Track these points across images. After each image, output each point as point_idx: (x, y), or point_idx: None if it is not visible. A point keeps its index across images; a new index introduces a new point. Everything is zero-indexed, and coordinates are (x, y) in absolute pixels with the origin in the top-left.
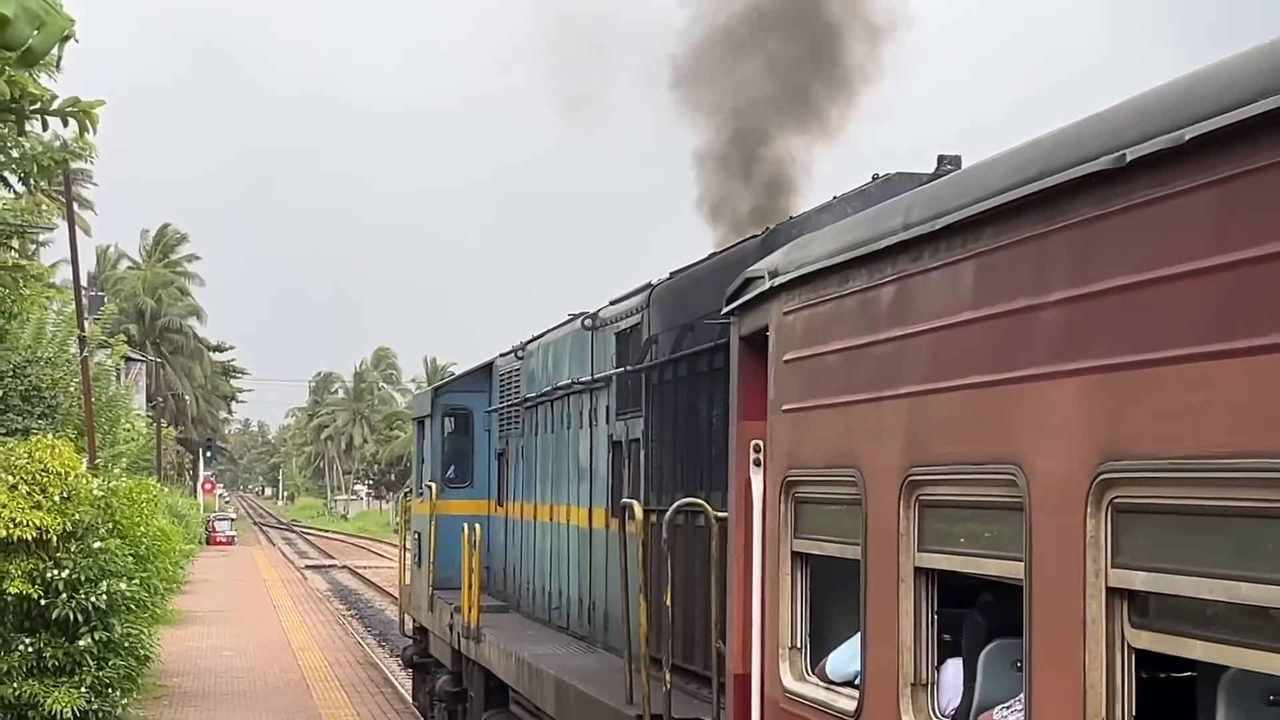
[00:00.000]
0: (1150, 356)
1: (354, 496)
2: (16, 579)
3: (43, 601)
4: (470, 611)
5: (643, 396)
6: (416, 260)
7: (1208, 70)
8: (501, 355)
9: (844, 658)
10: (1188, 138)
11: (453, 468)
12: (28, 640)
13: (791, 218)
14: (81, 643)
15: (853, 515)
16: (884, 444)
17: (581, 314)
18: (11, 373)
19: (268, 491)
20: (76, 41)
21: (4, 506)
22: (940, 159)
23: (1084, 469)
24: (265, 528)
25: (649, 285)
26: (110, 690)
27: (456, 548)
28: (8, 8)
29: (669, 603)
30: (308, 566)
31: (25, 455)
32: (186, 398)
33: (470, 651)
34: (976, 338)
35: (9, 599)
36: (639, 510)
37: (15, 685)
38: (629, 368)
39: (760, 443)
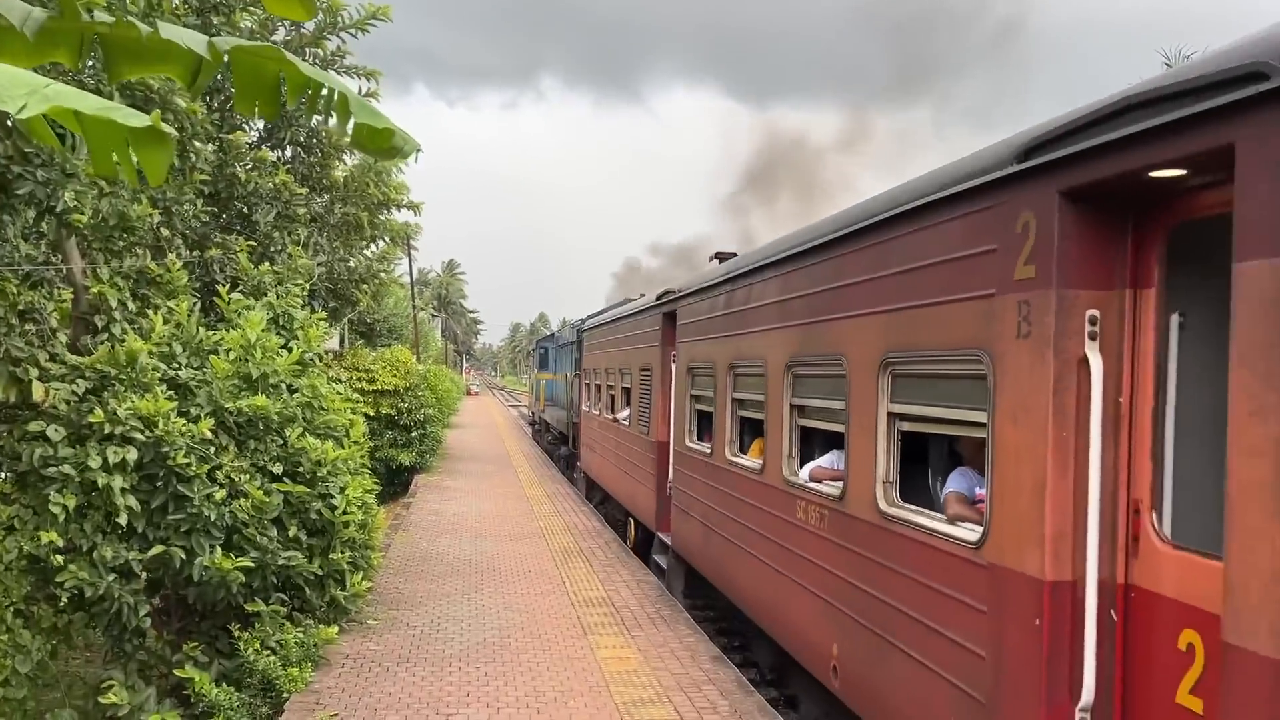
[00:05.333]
0: (797, 322)
1: None
2: (385, 406)
3: (397, 418)
4: (538, 404)
5: (575, 355)
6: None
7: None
8: (558, 331)
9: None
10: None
11: (545, 363)
12: (391, 432)
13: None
14: (413, 435)
15: (710, 382)
16: (719, 354)
17: (574, 321)
18: (384, 320)
19: (491, 373)
20: (417, 160)
21: (380, 374)
22: (717, 254)
23: (727, 364)
24: (490, 389)
25: (582, 320)
26: (425, 454)
27: (545, 387)
28: (390, 125)
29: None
30: (510, 405)
31: (390, 355)
32: (458, 332)
33: (544, 416)
34: (755, 315)
35: (383, 415)
36: (571, 374)
37: (384, 451)
38: (575, 342)
39: (674, 352)
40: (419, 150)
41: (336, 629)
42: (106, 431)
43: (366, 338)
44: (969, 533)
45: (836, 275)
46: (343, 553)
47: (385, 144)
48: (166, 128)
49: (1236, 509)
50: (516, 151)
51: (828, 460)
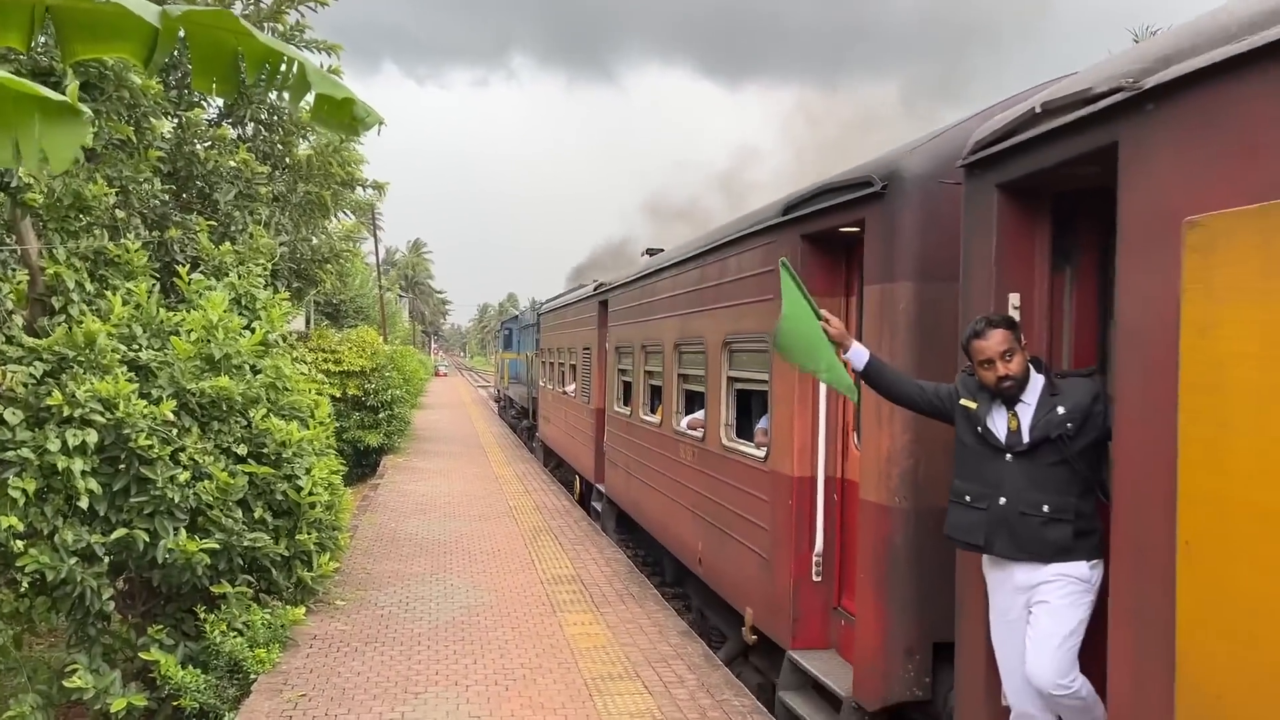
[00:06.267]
0: (677, 313)
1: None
2: (352, 387)
3: (364, 399)
4: (502, 383)
5: (535, 336)
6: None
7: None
8: (521, 313)
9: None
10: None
11: (509, 343)
12: (358, 414)
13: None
14: (380, 416)
15: (630, 358)
16: (635, 336)
17: (539, 303)
18: (350, 300)
19: (460, 354)
20: (379, 133)
21: (346, 355)
22: (649, 250)
23: (671, 342)
24: (459, 369)
25: (540, 304)
26: (393, 435)
27: (509, 366)
28: (350, 95)
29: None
30: (479, 386)
31: (357, 336)
32: (425, 313)
33: (508, 393)
34: (656, 305)
35: (349, 396)
36: (532, 354)
37: (351, 433)
38: (534, 324)
39: (605, 333)
40: (381, 123)
41: (304, 610)
42: (66, 414)
43: (333, 319)
44: (762, 452)
45: (701, 280)
46: (309, 534)
47: (346, 116)
48: (82, 106)
49: (864, 421)
50: (487, 130)
51: (700, 413)
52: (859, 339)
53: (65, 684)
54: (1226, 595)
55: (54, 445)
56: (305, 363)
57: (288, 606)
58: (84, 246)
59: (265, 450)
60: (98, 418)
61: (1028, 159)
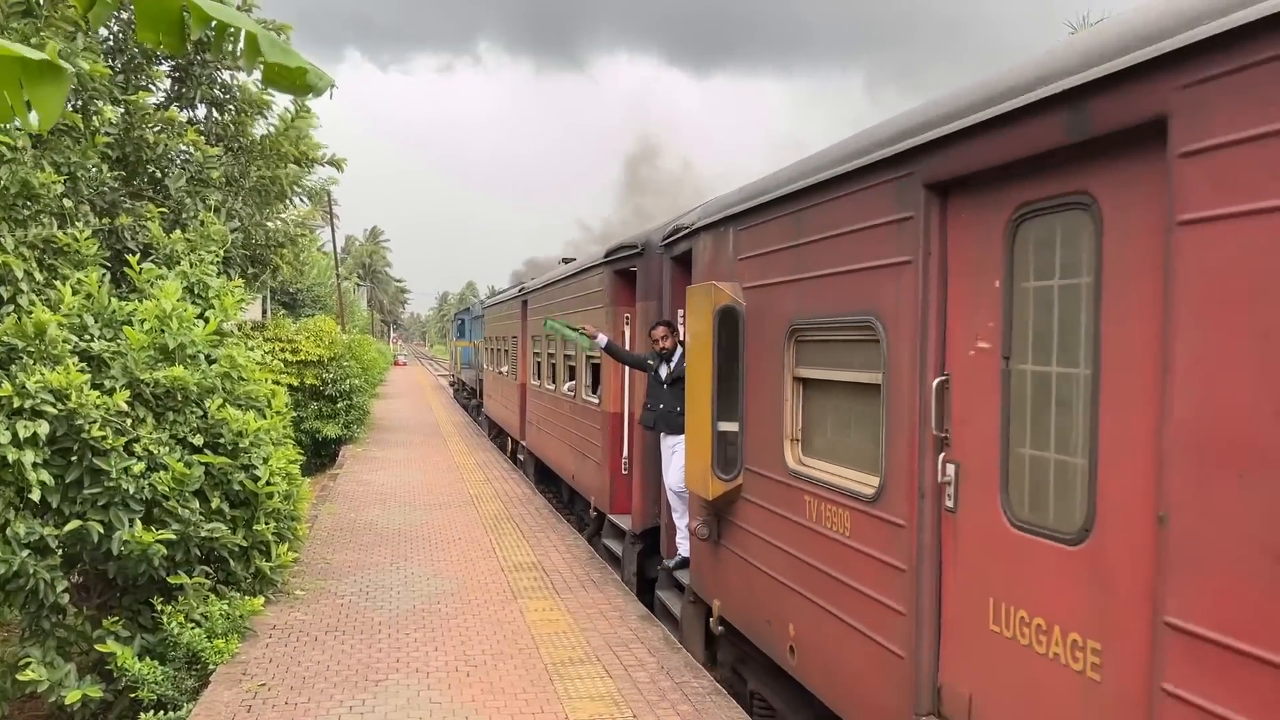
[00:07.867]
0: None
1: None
2: (310, 377)
3: (322, 389)
4: (456, 367)
5: (483, 326)
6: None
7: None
8: (472, 305)
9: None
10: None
11: (462, 332)
12: (316, 404)
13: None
14: (338, 405)
15: (540, 343)
16: (541, 327)
17: (484, 298)
18: (307, 290)
19: (420, 343)
20: (332, 96)
21: (303, 345)
22: (564, 259)
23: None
24: (419, 359)
25: (484, 300)
26: (352, 426)
27: (462, 353)
28: (304, 63)
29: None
30: (439, 375)
31: (314, 325)
32: (384, 302)
33: (459, 377)
34: (551, 307)
35: (307, 386)
36: (480, 342)
37: (310, 423)
38: (483, 316)
39: (526, 325)
40: (333, 85)
41: (262, 600)
42: (16, 405)
43: (290, 308)
44: (599, 400)
45: (576, 291)
46: (267, 524)
47: (300, 80)
48: (63, 63)
49: (634, 380)
50: (449, 117)
51: (574, 381)
52: (635, 333)
53: (19, 677)
54: (693, 434)
55: (4, 437)
56: (264, 350)
57: (246, 597)
58: (32, 235)
59: (222, 440)
60: (49, 409)
61: (678, 247)
